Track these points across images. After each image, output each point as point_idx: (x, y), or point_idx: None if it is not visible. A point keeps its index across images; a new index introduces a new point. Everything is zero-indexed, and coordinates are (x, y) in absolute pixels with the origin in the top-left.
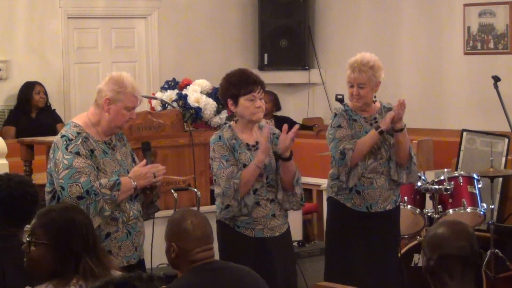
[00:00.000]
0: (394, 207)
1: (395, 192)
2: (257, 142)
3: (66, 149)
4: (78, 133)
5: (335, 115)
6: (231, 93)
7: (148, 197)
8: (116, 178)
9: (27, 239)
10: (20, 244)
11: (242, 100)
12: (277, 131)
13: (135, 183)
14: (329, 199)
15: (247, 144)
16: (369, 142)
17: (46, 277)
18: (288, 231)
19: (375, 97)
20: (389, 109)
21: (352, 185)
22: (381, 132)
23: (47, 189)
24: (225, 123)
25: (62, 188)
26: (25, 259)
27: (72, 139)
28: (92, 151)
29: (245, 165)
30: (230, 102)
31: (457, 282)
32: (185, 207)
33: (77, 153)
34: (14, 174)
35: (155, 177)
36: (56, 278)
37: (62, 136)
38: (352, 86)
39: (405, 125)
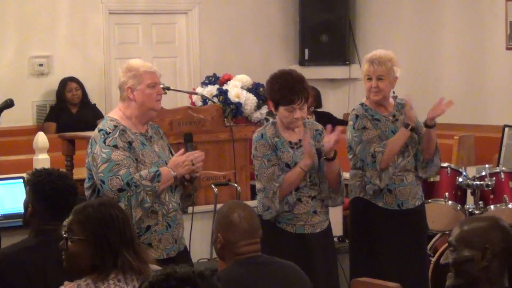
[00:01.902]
0: (421, 203)
1: (420, 188)
2: (300, 140)
3: (104, 142)
4: (115, 126)
5: (356, 116)
6: (272, 98)
7: (186, 189)
8: (156, 169)
9: (64, 235)
10: (60, 238)
11: (282, 109)
12: (320, 126)
13: (175, 172)
14: (357, 199)
15: (290, 142)
16: (401, 140)
17: (85, 272)
18: (329, 228)
19: (394, 92)
20: (403, 104)
21: (384, 185)
22: (411, 129)
23: (86, 184)
24: (266, 119)
25: (102, 181)
26: (63, 255)
27: (109, 133)
28: (130, 143)
29: (287, 164)
30: (271, 104)
31: (500, 278)
32: (235, 200)
33: (115, 146)
34: (51, 168)
35: (193, 165)
36: (95, 272)
37: (100, 130)
38: (370, 79)
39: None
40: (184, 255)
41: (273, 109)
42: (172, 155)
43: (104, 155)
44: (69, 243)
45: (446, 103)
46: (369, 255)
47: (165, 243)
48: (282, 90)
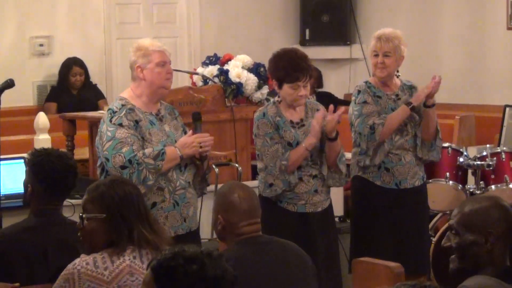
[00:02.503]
0: (422, 183)
1: (421, 168)
2: (301, 119)
3: (110, 121)
4: (123, 105)
5: (359, 91)
6: (277, 76)
7: (200, 170)
8: (161, 147)
9: (80, 214)
10: (61, 218)
11: (286, 87)
12: (321, 106)
13: (181, 152)
14: (356, 178)
15: (291, 122)
16: (400, 117)
17: (102, 249)
18: (330, 207)
19: (398, 71)
20: (410, 86)
21: (379, 162)
22: (412, 108)
23: (98, 163)
24: (267, 99)
25: (107, 159)
26: (79, 234)
27: (116, 111)
28: (137, 121)
29: (289, 143)
30: (274, 82)
31: (501, 258)
32: (234, 180)
33: (120, 125)
34: (51, 148)
35: (201, 147)
36: (111, 247)
37: (108, 110)
38: (376, 55)
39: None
40: (194, 235)
41: (276, 87)
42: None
43: (109, 134)
44: (85, 221)
45: (434, 82)
46: (369, 233)
47: (172, 221)
48: (287, 67)
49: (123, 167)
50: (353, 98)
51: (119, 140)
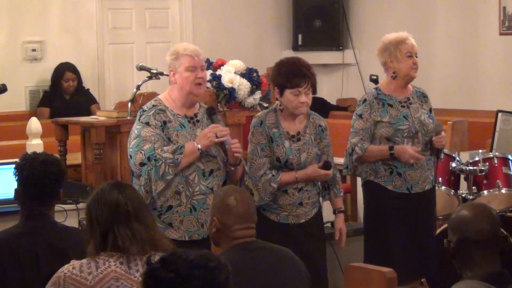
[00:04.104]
0: (431, 187)
1: (431, 172)
2: (298, 132)
3: (139, 119)
4: (154, 106)
5: (365, 100)
6: (278, 83)
7: (232, 176)
8: (180, 144)
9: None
10: (52, 223)
11: (287, 93)
12: (323, 123)
13: (198, 144)
14: (368, 182)
15: (288, 133)
16: (378, 156)
17: (94, 252)
18: (317, 215)
19: None
20: (422, 94)
21: (365, 176)
22: (391, 155)
23: None
24: (259, 104)
25: (130, 156)
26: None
27: (145, 110)
28: (165, 122)
29: (278, 159)
30: (276, 90)
31: (477, 265)
32: (231, 185)
33: (147, 123)
34: (43, 153)
35: (217, 137)
36: (96, 253)
37: (140, 109)
38: (410, 56)
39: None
40: (209, 241)
41: (278, 95)
42: None
43: (136, 131)
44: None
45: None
46: (381, 237)
47: (187, 225)
48: (289, 73)
49: (142, 164)
50: (358, 104)
51: (143, 138)
